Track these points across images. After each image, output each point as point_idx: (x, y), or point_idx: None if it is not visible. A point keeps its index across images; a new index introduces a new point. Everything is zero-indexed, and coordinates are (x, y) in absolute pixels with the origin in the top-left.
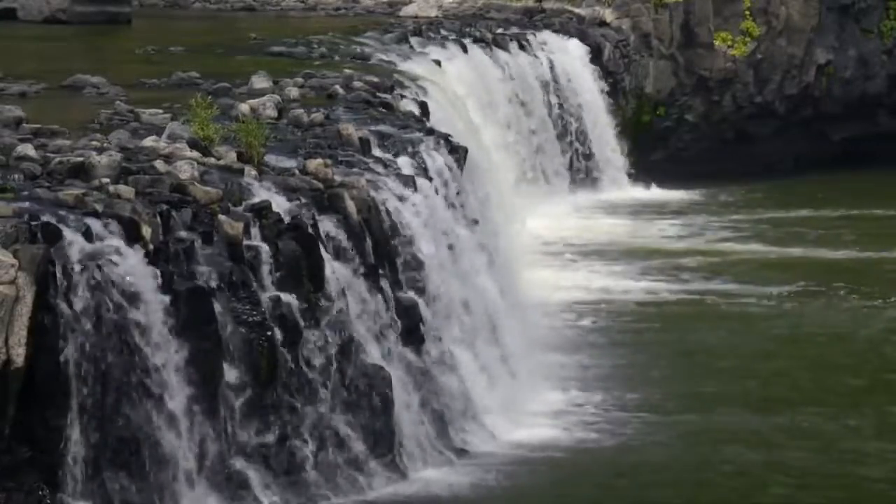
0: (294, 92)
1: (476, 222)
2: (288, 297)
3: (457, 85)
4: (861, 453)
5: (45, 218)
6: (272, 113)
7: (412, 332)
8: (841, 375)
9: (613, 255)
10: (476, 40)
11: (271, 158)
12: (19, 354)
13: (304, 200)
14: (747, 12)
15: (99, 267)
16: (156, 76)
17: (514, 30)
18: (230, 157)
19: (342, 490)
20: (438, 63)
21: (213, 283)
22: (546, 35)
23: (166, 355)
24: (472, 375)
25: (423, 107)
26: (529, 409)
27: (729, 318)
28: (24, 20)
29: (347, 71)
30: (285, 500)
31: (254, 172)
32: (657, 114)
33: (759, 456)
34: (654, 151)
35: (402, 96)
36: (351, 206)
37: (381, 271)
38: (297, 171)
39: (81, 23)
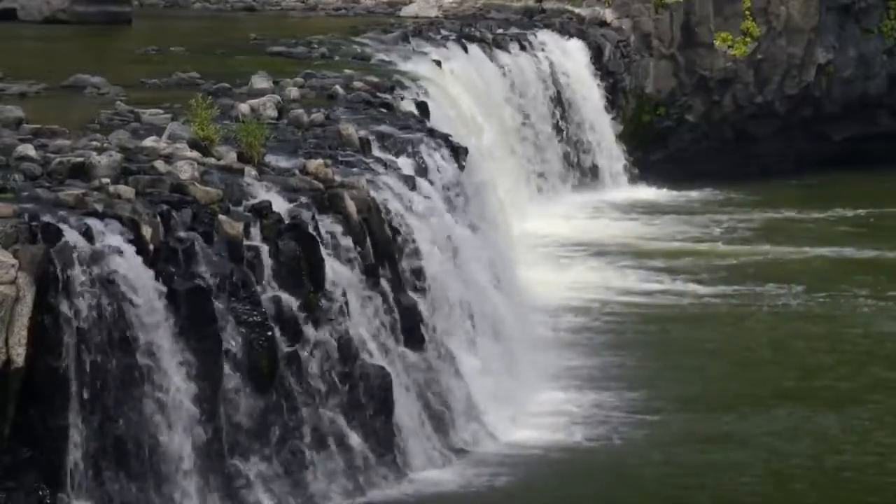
0: (294, 92)
1: (476, 222)
2: (288, 298)
3: (457, 85)
4: None
5: (45, 218)
6: (272, 113)
7: (412, 332)
8: (858, 372)
9: (613, 255)
10: (476, 40)
11: (271, 158)
12: (19, 354)
13: (304, 200)
14: (747, 12)
15: (99, 267)
16: (156, 76)
17: (515, 30)
18: (230, 157)
19: (342, 490)
20: (439, 63)
21: (214, 283)
22: (546, 35)
23: (166, 355)
24: (472, 375)
25: (424, 107)
26: (529, 409)
27: (729, 319)
28: (25, 20)
29: (348, 71)
30: (285, 501)
31: (254, 172)
32: (657, 114)
33: (745, 456)
34: (654, 151)
35: (403, 96)
36: (351, 206)
37: (381, 271)
38: (297, 172)
39: (82, 23)
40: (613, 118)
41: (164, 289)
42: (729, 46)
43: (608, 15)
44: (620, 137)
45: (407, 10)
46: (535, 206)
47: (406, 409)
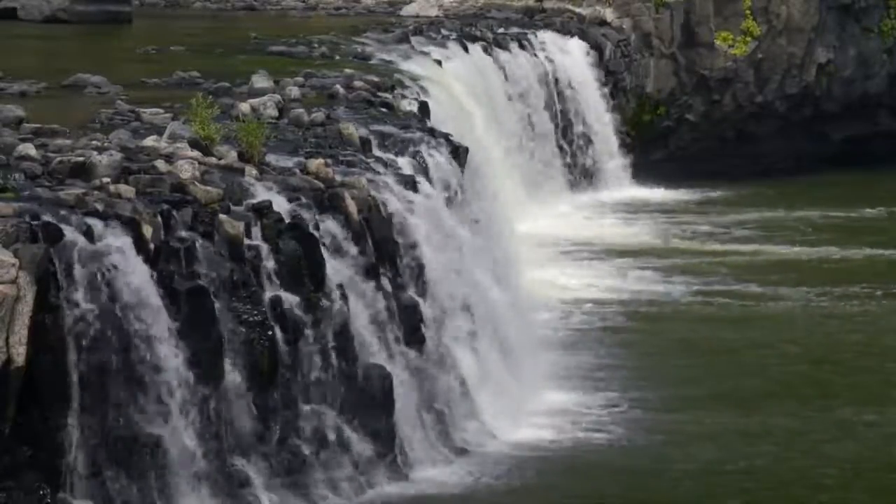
0: (295, 91)
1: (477, 222)
2: (288, 297)
3: (457, 84)
4: None
5: (45, 217)
6: (273, 112)
7: (413, 331)
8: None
9: (614, 254)
10: (477, 40)
11: (272, 158)
12: (20, 353)
13: (304, 200)
14: (748, 12)
15: (100, 266)
16: (156, 76)
17: (515, 29)
18: (231, 156)
19: (343, 490)
20: (439, 63)
21: (214, 283)
22: (547, 35)
23: (167, 355)
24: (472, 375)
25: (424, 106)
26: (530, 408)
27: (729, 319)
28: (25, 20)
29: (348, 70)
30: (286, 500)
31: (254, 172)
32: (658, 113)
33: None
34: (654, 151)
35: (403, 96)
36: (352, 205)
37: (381, 271)
38: (297, 171)
39: (82, 22)
40: (614, 118)
41: (165, 288)
42: (729, 46)
43: (608, 14)
44: (620, 137)
45: (407, 10)
46: (536, 205)
47: (406, 409)
